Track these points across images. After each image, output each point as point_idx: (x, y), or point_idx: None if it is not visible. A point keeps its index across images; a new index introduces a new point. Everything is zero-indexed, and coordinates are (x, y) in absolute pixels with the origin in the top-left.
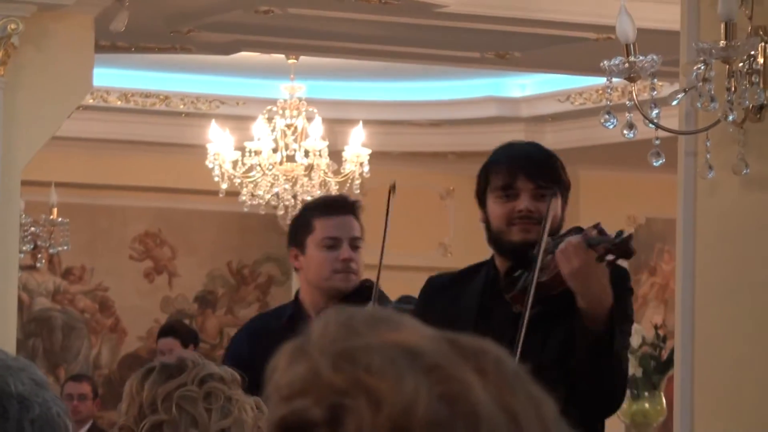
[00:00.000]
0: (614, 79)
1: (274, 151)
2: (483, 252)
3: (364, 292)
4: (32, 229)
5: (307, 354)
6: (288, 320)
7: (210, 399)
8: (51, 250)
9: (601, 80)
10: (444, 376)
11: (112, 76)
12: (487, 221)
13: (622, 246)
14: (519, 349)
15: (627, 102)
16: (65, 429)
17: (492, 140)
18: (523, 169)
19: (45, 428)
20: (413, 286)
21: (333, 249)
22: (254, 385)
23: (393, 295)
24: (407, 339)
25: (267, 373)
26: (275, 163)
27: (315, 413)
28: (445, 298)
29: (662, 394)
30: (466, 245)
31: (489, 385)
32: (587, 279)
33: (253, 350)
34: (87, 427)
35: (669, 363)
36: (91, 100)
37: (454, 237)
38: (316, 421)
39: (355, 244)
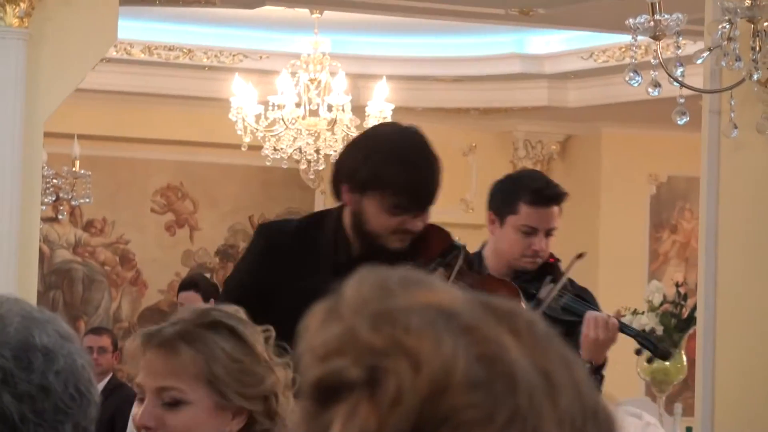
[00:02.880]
0: (638, 37)
1: (297, 105)
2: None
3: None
4: (54, 181)
5: (341, 314)
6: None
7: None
8: (73, 203)
9: (625, 38)
10: (480, 337)
11: (136, 29)
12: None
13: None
14: None
15: (652, 60)
16: (89, 381)
17: (515, 97)
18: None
19: (69, 380)
20: None
21: (529, 236)
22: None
23: None
24: (443, 300)
25: (298, 332)
26: (298, 117)
27: (353, 373)
28: (295, 249)
29: (683, 352)
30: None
31: (523, 347)
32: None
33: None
34: (106, 379)
35: (690, 321)
36: (114, 53)
37: (476, 193)
38: (354, 381)
39: (550, 233)
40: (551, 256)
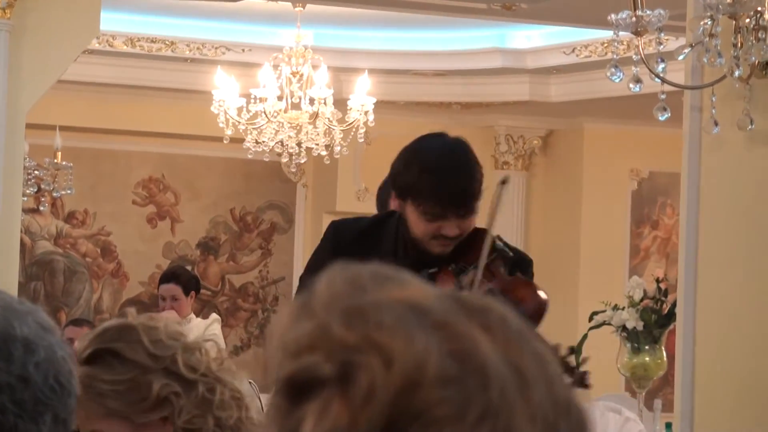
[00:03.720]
0: (620, 33)
1: (279, 98)
2: (485, 201)
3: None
4: (36, 172)
5: (313, 310)
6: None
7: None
8: (55, 194)
9: (607, 33)
10: (452, 333)
11: (119, 21)
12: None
13: (582, 380)
14: None
15: (633, 56)
16: (70, 373)
17: (497, 91)
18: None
19: (50, 371)
20: None
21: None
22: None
23: None
24: (414, 296)
25: (269, 329)
26: (280, 110)
27: (325, 369)
28: (358, 250)
29: (663, 347)
30: None
31: (495, 342)
32: None
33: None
34: None
35: (670, 316)
36: (97, 45)
37: None
38: (326, 377)
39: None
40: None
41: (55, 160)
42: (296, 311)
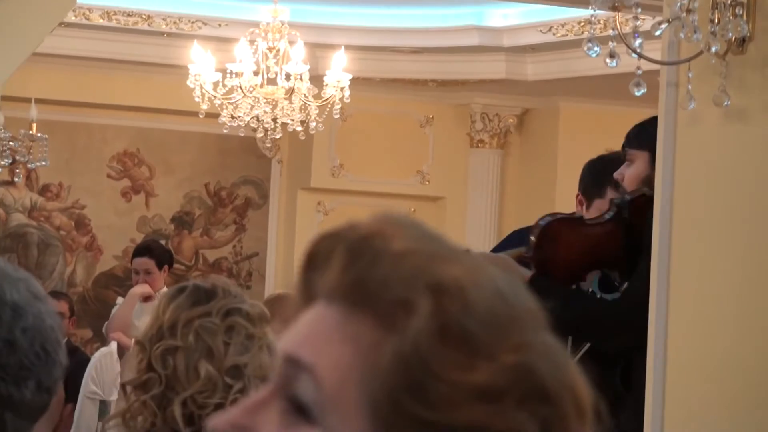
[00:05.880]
0: (597, 12)
1: (255, 73)
2: (460, 180)
3: None
4: (11, 143)
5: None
6: None
7: (231, 333)
8: (29, 165)
9: (584, 12)
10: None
11: None
12: None
13: None
14: None
15: (611, 31)
16: (57, 342)
17: (473, 69)
18: None
19: (36, 338)
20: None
21: None
22: None
23: None
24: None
25: None
26: (256, 85)
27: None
28: None
29: None
30: (444, 173)
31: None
32: None
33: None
34: None
35: None
36: (73, 17)
37: (433, 164)
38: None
39: None
40: None
41: (30, 132)
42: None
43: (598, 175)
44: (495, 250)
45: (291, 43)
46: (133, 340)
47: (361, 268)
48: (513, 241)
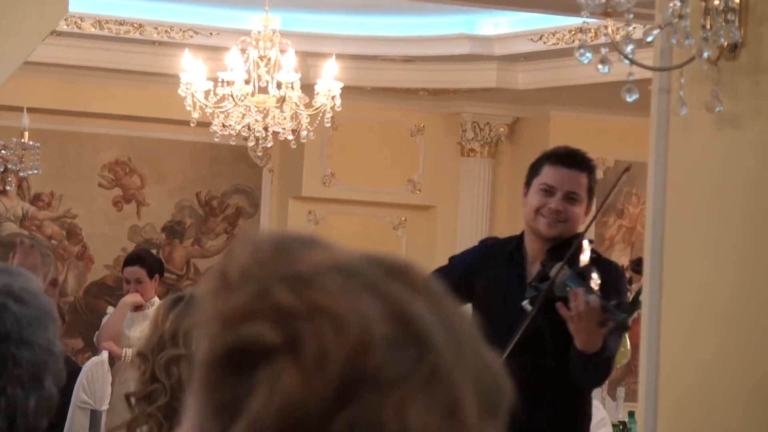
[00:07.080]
0: (589, 20)
1: (247, 82)
2: (451, 189)
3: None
4: (3, 152)
5: (247, 277)
6: (510, 251)
7: None
8: (21, 173)
9: (575, 21)
10: (384, 294)
11: (87, 3)
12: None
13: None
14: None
15: (603, 38)
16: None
17: (464, 78)
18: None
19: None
20: (380, 222)
21: (547, 195)
22: (466, 288)
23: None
24: (342, 259)
25: (198, 301)
26: (247, 94)
27: (273, 337)
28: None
29: (627, 336)
30: (435, 182)
31: (426, 302)
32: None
33: (478, 262)
34: None
35: (635, 305)
36: (65, 26)
37: (424, 174)
38: (273, 345)
39: (572, 197)
40: (580, 235)
41: (22, 140)
42: (221, 279)
43: (536, 162)
44: (456, 257)
45: (282, 51)
46: (125, 350)
47: None
48: (482, 250)
